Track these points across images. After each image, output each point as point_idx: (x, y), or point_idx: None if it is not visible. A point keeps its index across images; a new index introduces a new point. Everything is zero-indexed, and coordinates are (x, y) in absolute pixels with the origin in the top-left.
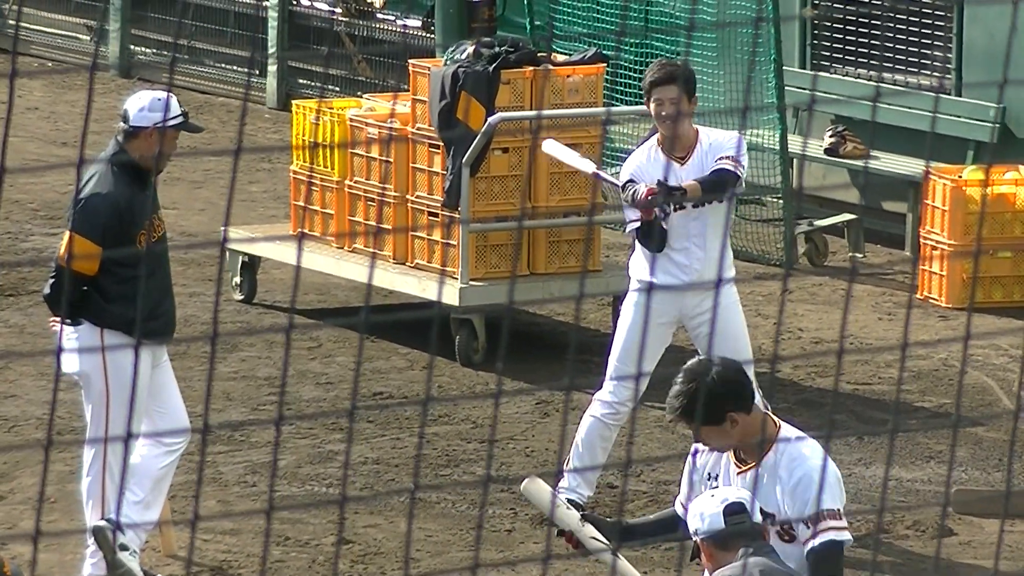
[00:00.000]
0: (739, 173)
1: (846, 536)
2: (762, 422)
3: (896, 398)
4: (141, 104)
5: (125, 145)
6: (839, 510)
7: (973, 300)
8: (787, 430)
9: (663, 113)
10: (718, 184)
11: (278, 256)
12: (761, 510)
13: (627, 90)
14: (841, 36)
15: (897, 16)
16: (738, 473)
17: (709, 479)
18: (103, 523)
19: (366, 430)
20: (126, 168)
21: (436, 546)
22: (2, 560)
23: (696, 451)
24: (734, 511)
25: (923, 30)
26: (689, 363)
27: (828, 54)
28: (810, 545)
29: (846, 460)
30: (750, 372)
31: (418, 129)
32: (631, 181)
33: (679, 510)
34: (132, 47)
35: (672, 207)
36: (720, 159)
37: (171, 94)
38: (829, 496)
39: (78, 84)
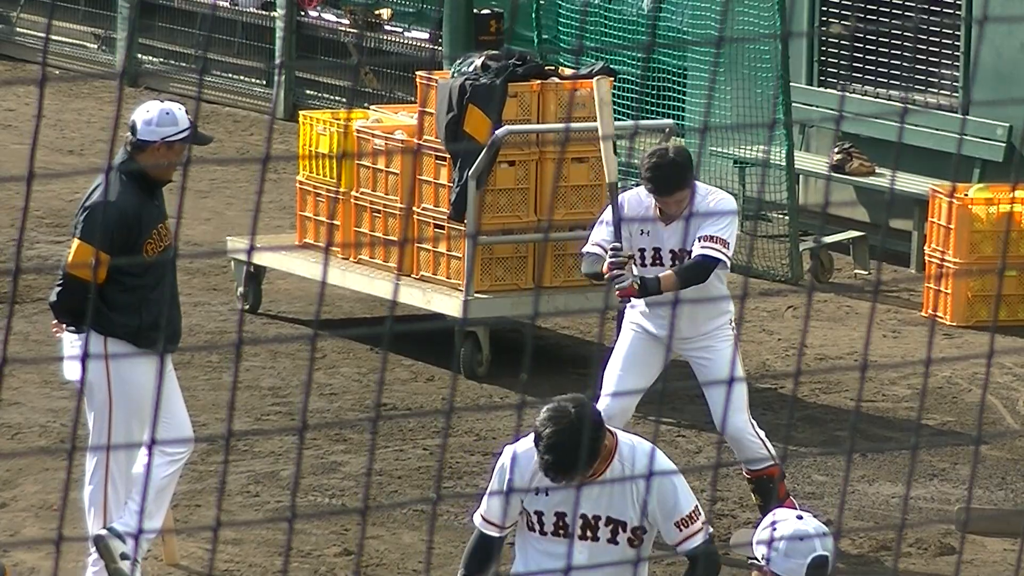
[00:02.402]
0: (722, 257)
1: (710, 529)
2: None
3: (918, 416)
4: (148, 118)
5: (134, 156)
6: (697, 505)
7: (996, 318)
8: (623, 436)
9: (670, 213)
10: (698, 273)
11: (283, 266)
12: (609, 518)
13: (635, 104)
14: (848, 53)
15: (905, 35)
16: (578, 486)
17: (538, 494)
18: (105, 532)
19: (369, 441)
20: (134, 177)
21: (438, 558)
22: (4, 567)
23: (513, 464)
24: (818, 564)
25: (931, 48)
26: (545, 421)
27: (835, 71)
28: (690, 546)
29: (849, 477)
30: (742, 416)
31: (425, 141)
32: (617, 268)
33: (489, 531)
34: (140, 56)
35: (648, 261)
36: (705, 239)
37: (179, 105)
38: (686, 498)
39: (84, 92)
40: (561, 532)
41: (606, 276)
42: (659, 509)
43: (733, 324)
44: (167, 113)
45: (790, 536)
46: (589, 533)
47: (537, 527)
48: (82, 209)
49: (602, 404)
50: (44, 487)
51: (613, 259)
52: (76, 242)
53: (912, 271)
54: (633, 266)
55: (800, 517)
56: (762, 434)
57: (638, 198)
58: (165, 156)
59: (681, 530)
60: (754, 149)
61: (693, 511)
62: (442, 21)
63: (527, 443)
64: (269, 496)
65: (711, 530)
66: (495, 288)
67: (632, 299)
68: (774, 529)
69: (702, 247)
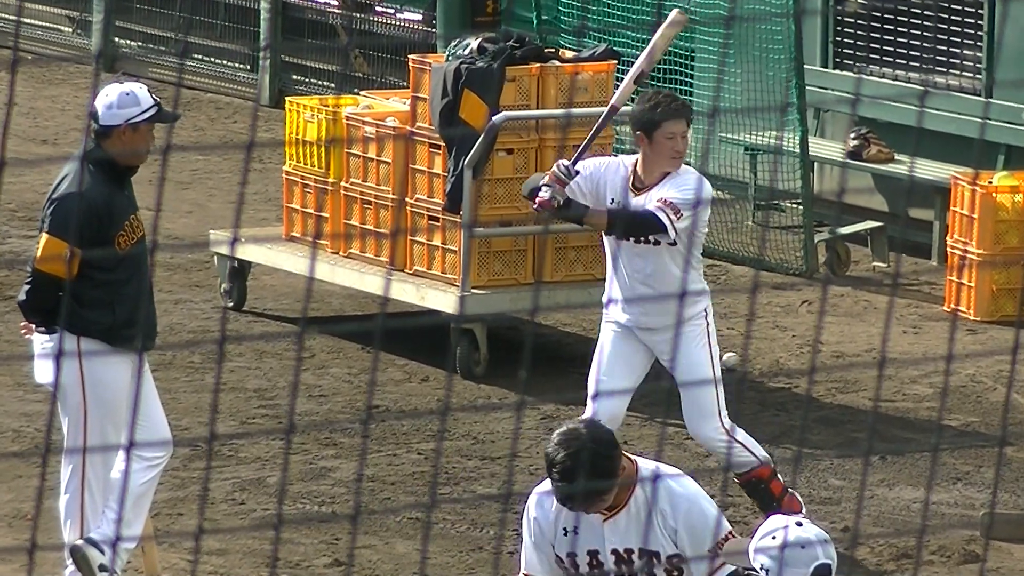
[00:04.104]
0: (666, 223)
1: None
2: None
3: (940, 416)
4: (109, 101)
5: (100, 144)
6: (731, 531)
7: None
8: (643, 463)
9: (676, 149)
10: (634, 225)
11: (269, 261)
12: (641, 551)
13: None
14: (865, 34)
15: (925, 14)
16: (604, 520)
17: (567, 534)
18: (81, 542)
19: (360, 445)
20: (103, 166)
21: (434, 569)
22: None
23: (538, 507)
24: (821, 572)
25: (952, 27)
26: (556, 446)
27: (852, 52)
28: (724, 572)
29: (868, 481)
30: (712, 424)
31: (418, 128)
32: (557, 182)
33: None
34: (117, 39)
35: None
36: (661, 201)
37: (141, 85)
38: (717, 523)
39: (59, 78)
40: (597, 571)
41: (541, 184)
42: (688, 538)
43: (708, 318)
44: (127, 94)
45: (791, 544)
46: (624, 568)
47: (572, 570)
48: (49, 202)
49: (588, 411)
50: (18, 495)
51: (560, 170)
52: (44, 236)
53: (933, 263)
54: (569, 194)
55: (800, 523)
56: (740, 435)
57: (619, 165)
58: (131, 140)
59: (711, 563)
60: (766, 135)
61: (722, 540)
62: (436, 1)
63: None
64: (255, 504)
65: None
66: (493, 283)
67: (547, 212)
68: (773, 537)
69: (654, 205)
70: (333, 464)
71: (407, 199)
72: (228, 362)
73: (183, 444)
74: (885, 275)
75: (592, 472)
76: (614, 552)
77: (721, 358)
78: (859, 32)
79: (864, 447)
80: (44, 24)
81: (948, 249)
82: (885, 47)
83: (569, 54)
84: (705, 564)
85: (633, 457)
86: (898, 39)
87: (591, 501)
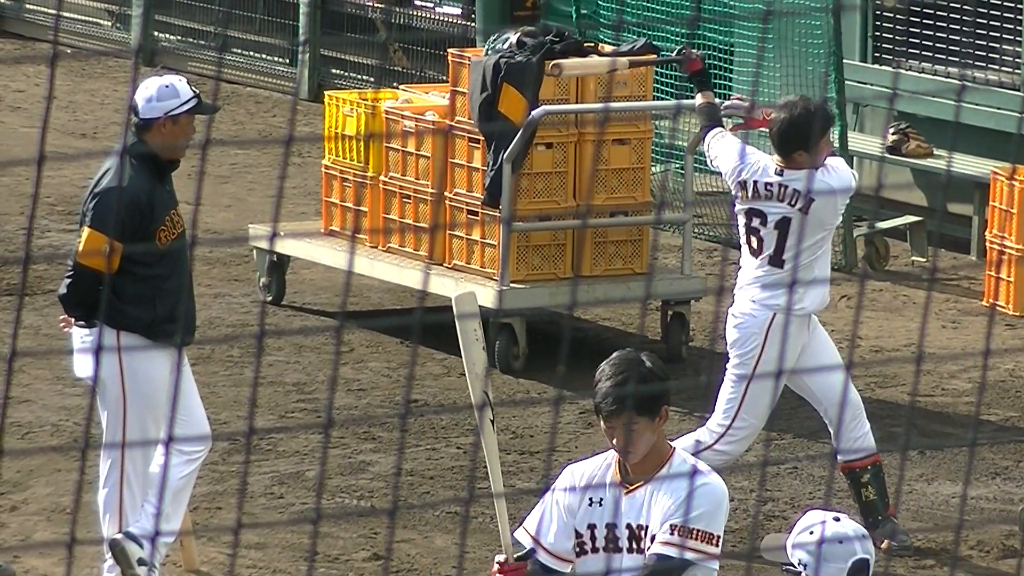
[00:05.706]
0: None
1: (712, 565)
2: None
3: (979, 411)
4: (148, 94)
5: (141, 137)
6: (715, 536)
7: None
8: (683, 453)
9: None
10: (706, 129)
11: (308, 255)
12: (647, 529)
13: (676, 83)
14: (904, 29)
15: (964, 8)
16: (626, 493)
17: (591, 505)
18: (120, 535)
19: (399, 440)
20: (145, 161)
21: (473, 563)
22: (14, 573)
23: (569, 474)
24: (859, 568)
25: (991, 22)
26: (614, 358)
27: (891, 47)
28: (659, 551)
29: (907, 476)
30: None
31: (457, 122)
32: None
33: (543, 558)
34: (156, 34)
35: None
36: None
37: (180, 77)
38: (708, 517)
39: (98, 72)
40: (611, 546)
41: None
42: (672, 506)
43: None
44: (167, 87)
45: (828, 539)
46: (635, 545)
47: (590, 543)
48: (91, 196)
49: (726, 439)
50: (56, 489)
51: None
52: (86, 230)
53: (972, 258)
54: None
55: (837, 519)
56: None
57: (766, 157)
58: (172, 132)
59: (670, 534)
60: None
61: (698, 531)
62: None
63: (587, 460)
64: (294, 498)
65: (693, 560)
66: (532, 277)
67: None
68: (810, 532)
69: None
70: (372, 458)
71: (446, 193)
72: (267, 356)
73: (222, 438)
74: (924, 270)
75: (636, 381)
76: (628, 527)
77: None
78: (898, 27)
79: (903, 442)
80: (83, 18)
81: (987, 244)
82: (924, 42)
83: (608, 48)
84: (660, 534)
85: (675, 445)
86: (937, 34)
87: (625, 407)
